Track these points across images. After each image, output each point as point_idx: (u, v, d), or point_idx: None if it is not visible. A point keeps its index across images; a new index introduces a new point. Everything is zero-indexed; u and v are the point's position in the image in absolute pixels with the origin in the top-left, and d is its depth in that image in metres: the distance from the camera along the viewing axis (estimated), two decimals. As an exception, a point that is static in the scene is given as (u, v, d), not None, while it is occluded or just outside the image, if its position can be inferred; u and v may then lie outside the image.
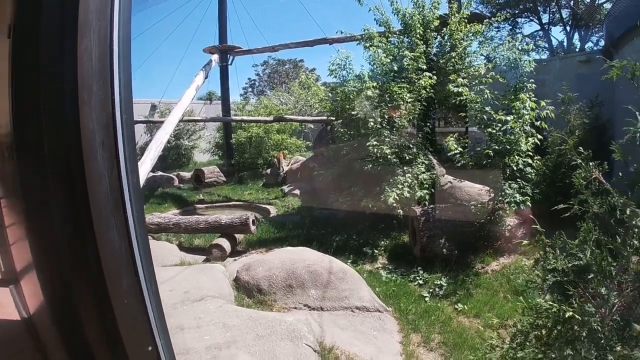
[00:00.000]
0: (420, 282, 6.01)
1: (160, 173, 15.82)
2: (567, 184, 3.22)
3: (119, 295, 0.95)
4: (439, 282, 5.85)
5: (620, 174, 2.93)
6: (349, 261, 6.64)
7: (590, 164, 2.84)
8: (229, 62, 15.80)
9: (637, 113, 2.79)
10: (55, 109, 0.88)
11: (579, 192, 2.64)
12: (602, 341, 2.05)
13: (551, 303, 2.05)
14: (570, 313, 1.94)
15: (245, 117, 15.96)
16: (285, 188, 12.24)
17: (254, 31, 60.70)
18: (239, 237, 7.68)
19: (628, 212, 2.48)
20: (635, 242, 2.53)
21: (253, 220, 7.42)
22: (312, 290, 5.12)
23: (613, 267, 2.39)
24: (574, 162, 2.81)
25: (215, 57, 14.86)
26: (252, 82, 40.39)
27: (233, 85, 29.40)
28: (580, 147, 2.93)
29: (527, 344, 2.15)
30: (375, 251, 7.05)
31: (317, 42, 13.53)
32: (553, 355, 1.92)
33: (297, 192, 11.63)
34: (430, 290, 5.73)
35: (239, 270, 5.65)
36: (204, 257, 7.07)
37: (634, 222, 2.49)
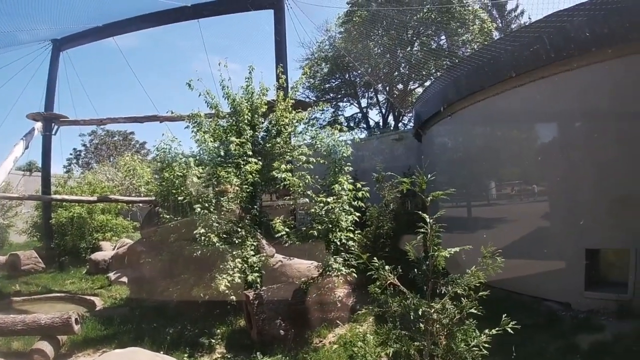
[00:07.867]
0: (262, 367, 5.84)
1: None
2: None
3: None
4: (280, 364, 5.76)
5: (415, 270, 3.49)
6: (186, 355, 6.22)
7: (387, 267, 3.30)
8: (53, 132, 14.55)
9: (426, 218, 3.38)
10: None
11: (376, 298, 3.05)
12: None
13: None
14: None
15: (66, 197, 14.29)
16: (112, 275, 11.03)
17: (83, 99, 55.83)
18: (63, 337, 6.60)
19: (420, 312, 3.00)
20: (437, 326, 3.09)
21: (76, 319, 6.43)
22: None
23: (421, 351, 2.83)
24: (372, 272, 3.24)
25: (38, 125, 13.68)
26: (78, 152, 36.97)
27: (56, 155, 26.70)
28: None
29: None
30: (212, 340, 6.71)
31: (147, 119, 13.09)
32: None
33: (124, 279, 10.56)
34: (273, 374, 5.60)
35: (68, 380, 4.84)
36: (25, 365, 5.90)
37: (431, 316, 3.10)
